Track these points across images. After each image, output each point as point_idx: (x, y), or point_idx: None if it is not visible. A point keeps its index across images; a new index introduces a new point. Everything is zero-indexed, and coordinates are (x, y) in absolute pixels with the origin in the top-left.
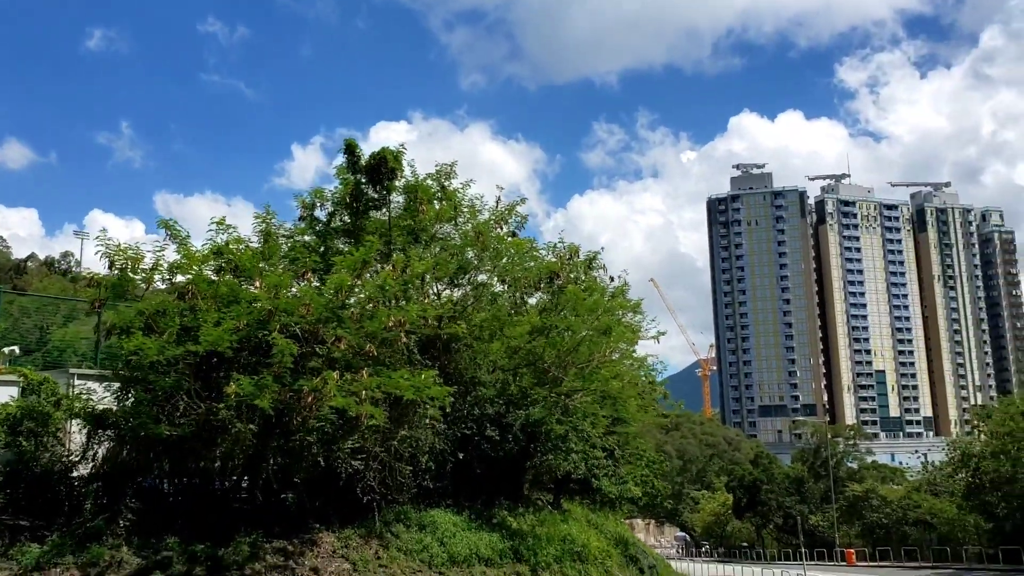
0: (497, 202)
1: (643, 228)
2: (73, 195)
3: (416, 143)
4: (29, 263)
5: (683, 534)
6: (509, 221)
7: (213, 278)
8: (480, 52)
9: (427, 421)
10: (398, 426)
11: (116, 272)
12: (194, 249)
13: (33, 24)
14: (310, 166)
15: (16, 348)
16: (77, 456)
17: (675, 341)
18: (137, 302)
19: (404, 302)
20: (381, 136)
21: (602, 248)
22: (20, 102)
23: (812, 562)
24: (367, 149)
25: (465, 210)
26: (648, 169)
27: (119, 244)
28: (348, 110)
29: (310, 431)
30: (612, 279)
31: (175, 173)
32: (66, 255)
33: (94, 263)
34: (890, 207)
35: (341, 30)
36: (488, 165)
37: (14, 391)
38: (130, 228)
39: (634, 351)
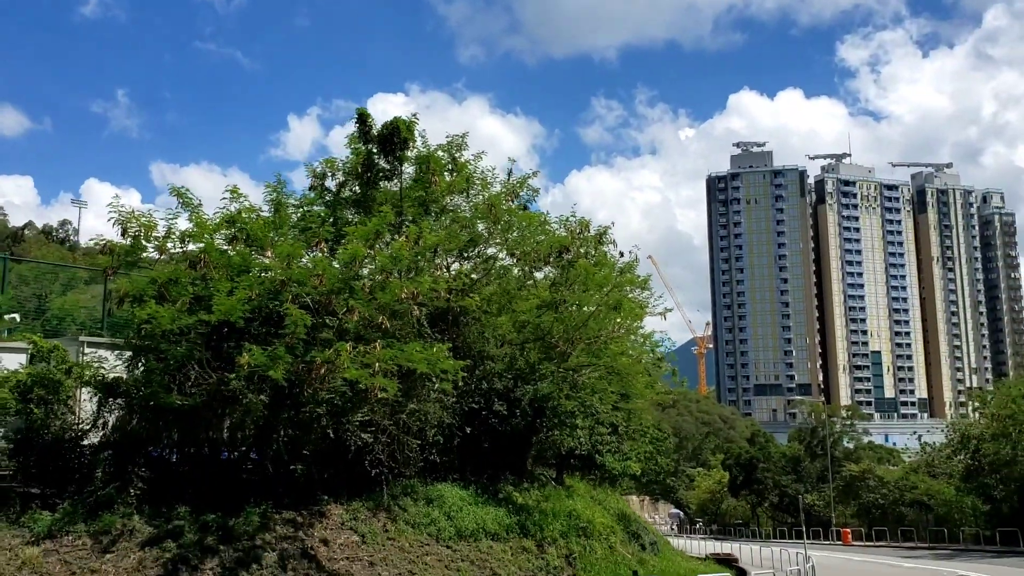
0: (509, 175)
1: (640, 205)
2: (69, 163)
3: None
4: (27, 231)
5: (677, 511)
6: (520, 194)
7: (225, 247)
8: (479, 24)
9: (435, 394)
10: (407, 399)
11: (129, 239)
12: (206, 218)
13: None
14: (306, 137)
15: (16, 316)
16: (88, 424)
17: (672, 319)
18: (149, 270)
19: (415, 274)
20: (379, 108)
21: (612, 223)
22: (15, 68)
23: (808, 541)
24: None
25: (477, 182)
26: (646, 146)
27: (132, 211)
28: (345, 81)
29: (320, 403)
30: (621, 254)
31: (171, 143)
32: (64, 224)
33: (92, 232)
34: (890, 187)
35: (338, 0)
36: (487, 139)
37: (22, 358)
38: (127, 197)
39: (641, 327)
